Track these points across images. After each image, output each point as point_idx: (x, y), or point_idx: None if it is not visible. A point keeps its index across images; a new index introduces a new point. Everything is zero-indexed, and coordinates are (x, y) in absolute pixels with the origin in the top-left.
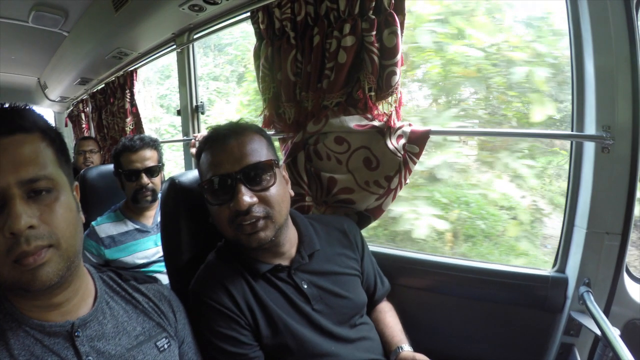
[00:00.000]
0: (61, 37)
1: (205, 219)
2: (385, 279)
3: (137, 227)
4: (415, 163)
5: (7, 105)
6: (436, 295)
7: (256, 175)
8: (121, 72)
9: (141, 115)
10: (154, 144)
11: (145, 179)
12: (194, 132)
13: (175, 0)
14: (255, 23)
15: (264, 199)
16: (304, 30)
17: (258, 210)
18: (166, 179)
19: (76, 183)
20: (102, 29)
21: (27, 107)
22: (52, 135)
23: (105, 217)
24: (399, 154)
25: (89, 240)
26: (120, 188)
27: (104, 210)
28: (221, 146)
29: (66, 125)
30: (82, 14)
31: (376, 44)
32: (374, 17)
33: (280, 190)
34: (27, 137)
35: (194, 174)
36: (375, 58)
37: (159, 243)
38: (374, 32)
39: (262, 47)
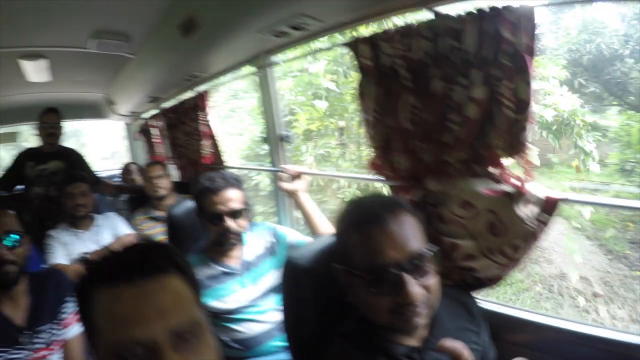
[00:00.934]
0: (126, 59)
1: (333, 297)
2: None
3: (224, 269)
4: (544, 232)
5: (143, 243)
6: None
7: (421, 265)
8: (193, 93)
9: (218, 139)
10: (238, 184)
11: (229, 223)
12: (280, 163)
13: (253, 26)
14: (356, 54)
15: (427, 288)
16: (421, 70)
17: (423, 300)
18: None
19: None
20: (171, 52)
21: (163, 244)
22: (189, 273)
23: (190, 260)
24: (529, 223)
25: None
26: (202, 228)
27: (190, 248)
28: (380, 229)
29: (136, 139)
30: (147, 36)
31: (509, 96)
32: (507, 62)
33: (436, 275)
34: (169, 278)
35: (312, 249)
36: (507, 111)
37: (248, 284)
38: (507, 82)
39: (368, 85)
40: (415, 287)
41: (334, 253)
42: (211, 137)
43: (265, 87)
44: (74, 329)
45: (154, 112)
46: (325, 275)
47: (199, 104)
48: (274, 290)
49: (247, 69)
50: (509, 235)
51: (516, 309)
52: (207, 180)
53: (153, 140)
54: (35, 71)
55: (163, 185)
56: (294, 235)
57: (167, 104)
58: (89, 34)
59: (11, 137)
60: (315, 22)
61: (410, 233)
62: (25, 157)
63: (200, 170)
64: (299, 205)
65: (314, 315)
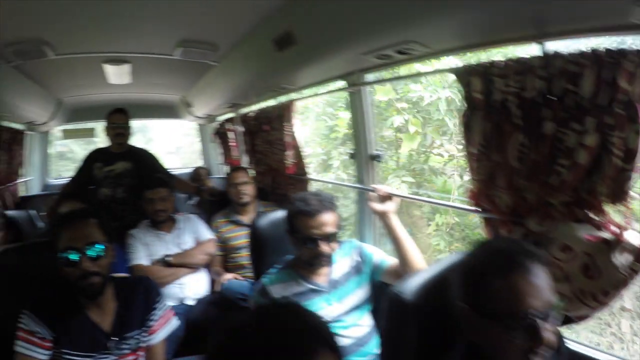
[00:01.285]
0: (208, 66)
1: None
2: None
3: (312, 287)
4: (635, 280)
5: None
6: None
7: (552, 313)
8: (277, 102)
9: (302, 150)
10: (333, 206)
11: (323, 247)
12: (370, 182)
13: (358, 48)
14: (465, 85)
15: (553, 334)
16: (533, 110)
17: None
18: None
19: None
20: (259, 63)
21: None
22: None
23: (277, 275)
24: (622, 271)
25: (262, 300)
26: (292, 246)
27: (274, 261)
28: (525, 278)
29: (213, 142)
30: (233, 46)
31: (619, 145)
32: (621, 111)
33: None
34: None
35: (418, 282)
36: (616, 160)
37: (333, 302)
38: (619, 131)
39: (475, 118)
40: (548, 334)
41: (455, 291)
42: (295, 147)
43: (357, 105)
44: (160, 335)
45: (229, 115)
46: (434, 312)
47: (284, 114)
48: (357, 307)
49: (338, 84)
50: (602, 281)
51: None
52: (302, 201)
53: (229, 143)
54: (116, 74)
55: (247, 192)
56: (380, 255)
57: (246, 110)
58: (176, 42)
59: (89, 133)
60: (422, 48)
61: (548, 283)
62: (94, 158)
63: (282, 179)
64: (387, 228)
65: (416, 350)
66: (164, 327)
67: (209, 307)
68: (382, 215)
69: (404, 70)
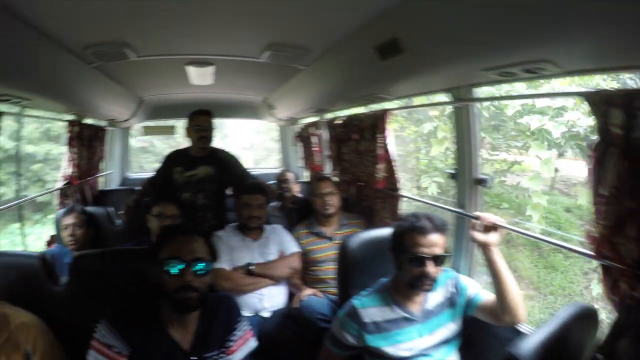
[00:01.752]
0: (296, 69)
1: None
2: None
3: (405, 315)
4: None
5: None
6: None
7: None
8: (369, 110)
9: (395, 164)
10: (444, 229)
11: (430, 268)
12: (472, 208)
13: (477, 64)
14: (601, 115)
15: None
16: None
17: None
18: None
19: None
20: (355, 70)
21: None
22: None
23: (370, 298)
24: None
25: (350, 322)
26: (394, 266)
27: (362, 283)
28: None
29: (295, 145)
30: (327, 51)
31: None
32: None
33: None
34: None
35: (535, 341)
36: None
37: (424, 334)
38: None
39: (610, 155)
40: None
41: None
42: (387, 161)
43: (462, 121)
44: (238, 356)
45: (313, 119)
46: None
47: (378, 124)
48: (447, 341)
49: (438, 97)
50: None
51: None
52: (414, 218)
53: (312, 147)
54: (199, 76)
55: (333, 203)
56: (475, 289)
57: (333, 115)
58: (264, 45)
59: (169, 130)
60: (554, 68)
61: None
62: (174, 161)
63: (370, 192)
64: (488, 261)
65: None
66: (242, 347)
67: (284, 321)
68: (484, 247)
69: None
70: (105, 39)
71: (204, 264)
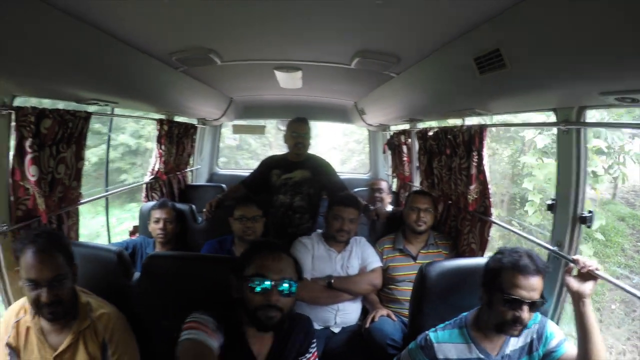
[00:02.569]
0: (385, 77)
1: None
2: None
3: (481, 356)
4: None
5: None
6: None
7: None
8: (463, 124)
9: (489, 187)
10: (546, 271)
11: (524, 314)
12: (571, 250)
13: (594, 86)
14: None
15: None
16: None
17: None
18: None
19: None
20: (450, 82)
21: None
22: None
23: (448, 333)
24: None
25: (423, 356)
26: (482, 302)
27: (437, 313)
28: None
29: (384, 152)
30: (420, 60)
31: None
32: None
33: None
34: None
35: None
36: None
37: None
38: None
39: None
40: None
41: None
42: (481, 181)
43: (568, 147)
44: None
45: (404, 127)
46: None
47: (473, 140)
48: None
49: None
50: None
51: None
52: (515, 255)
53: (402, 157)
54: (288, 80)
55: (427, 220)
56: (559, 339)
57: (424, 126)
58: (354, 52)
59: (259, 130)
60: None
61: None
62: (272, 165)
63: (459, 213)
64: (577, 312)
65: None
66: None
67: (353, 339)
68: (575, 296)
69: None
70: (189, 46)
71: (290, 284)
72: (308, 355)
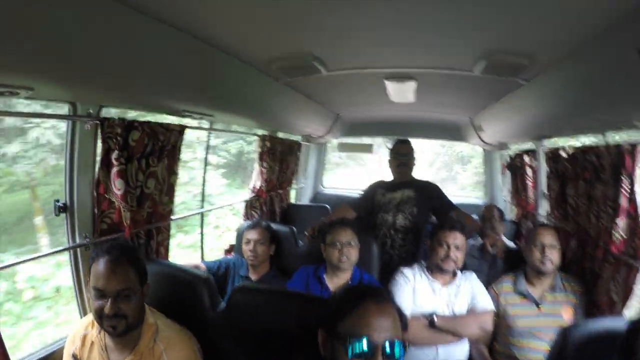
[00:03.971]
0: (512, 85)
1: None
2: None
3: None
4: None
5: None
6: None
7: None
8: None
9: None
10: None
11: None
12: None
13: None
14: None
15: None
16: None
17: None
18: None
19: None
20: (599, 88)
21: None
22: None
23: None
24: None
25: None
26: None
27: None
28: None
29: (503, 173)
30: (556, 61)
31: None
32: None
33: None
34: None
35: None
36: None
37: None
38: None
39: None
40: None
41: None
42: (631, 216)
43: None
44: None
45: (528, 147)
46: None
47: (623, 163)
48: None
49: None
50: None
51: None
52: None
53: (525, 180)
54: (399, 92)
55: (553, 259)
56: None
57: (556, 144)
58: (480, 54)
59: (366, 148)
60: None
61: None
62: (377, 187)
63: (598, 253)
64: None
65: None
66: None
67: None
68: None
69: None
70: (291, 53)
71: (399, 347)
72: None
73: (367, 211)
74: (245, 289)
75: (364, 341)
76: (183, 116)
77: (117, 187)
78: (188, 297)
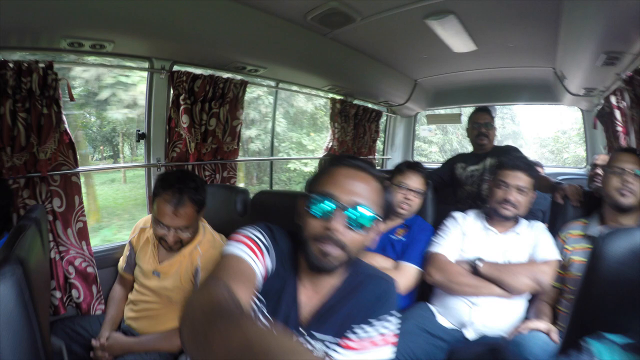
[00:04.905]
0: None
1: None
2: None
3: None
4: None
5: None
6: None
7: None
8: None
9: None
10: None
11: None
12: None
13: None
14: None
15: None
16: None
17: None
18: None
19: None
20: None
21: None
22: None
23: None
24: None
25: None
26: None
27: (616, 319)
28: None
29: (594, 127)
30: None
31: None
32: None
33: None
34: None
35: None
36: None
37: None
38: None
39: None
40: None
41: None
42: None
43: None
44: (357, 357)
45: (617, 87)
46: None
47: None
48: None
49: None
50: None
51: None
52: None
53: (616, 128)
54: (450, 35)
55: (635, 189)
56: None
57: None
58: None
59: (455, 118)
60: None
61: None
62: (457, 160)
63: None
64: None
65: None
66: (362, 352)
67: (482, 353)
68: None
69: None
70: (321, 2)
71: (364, 214)
72: (367, 329)
73: (442, 184)
74: (265, 193)
75: (327, 200)
76: (242, 72)
77: (183, 121)
78: (223, 207)
